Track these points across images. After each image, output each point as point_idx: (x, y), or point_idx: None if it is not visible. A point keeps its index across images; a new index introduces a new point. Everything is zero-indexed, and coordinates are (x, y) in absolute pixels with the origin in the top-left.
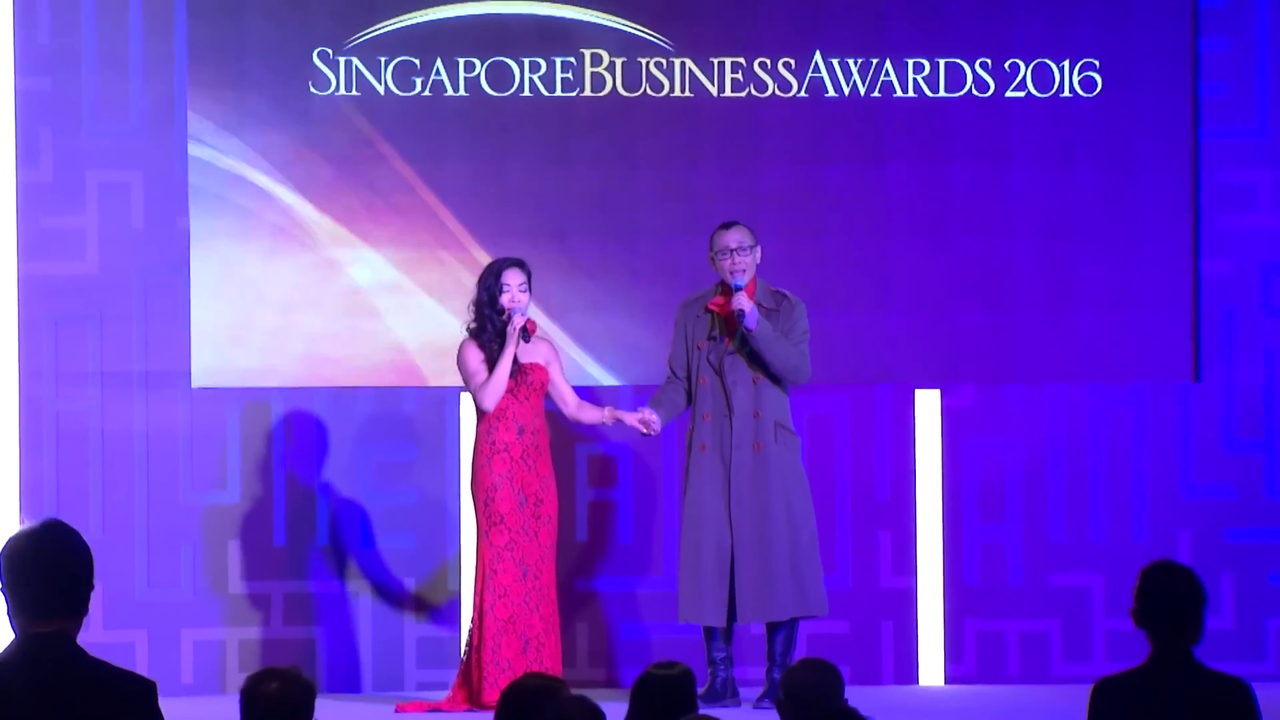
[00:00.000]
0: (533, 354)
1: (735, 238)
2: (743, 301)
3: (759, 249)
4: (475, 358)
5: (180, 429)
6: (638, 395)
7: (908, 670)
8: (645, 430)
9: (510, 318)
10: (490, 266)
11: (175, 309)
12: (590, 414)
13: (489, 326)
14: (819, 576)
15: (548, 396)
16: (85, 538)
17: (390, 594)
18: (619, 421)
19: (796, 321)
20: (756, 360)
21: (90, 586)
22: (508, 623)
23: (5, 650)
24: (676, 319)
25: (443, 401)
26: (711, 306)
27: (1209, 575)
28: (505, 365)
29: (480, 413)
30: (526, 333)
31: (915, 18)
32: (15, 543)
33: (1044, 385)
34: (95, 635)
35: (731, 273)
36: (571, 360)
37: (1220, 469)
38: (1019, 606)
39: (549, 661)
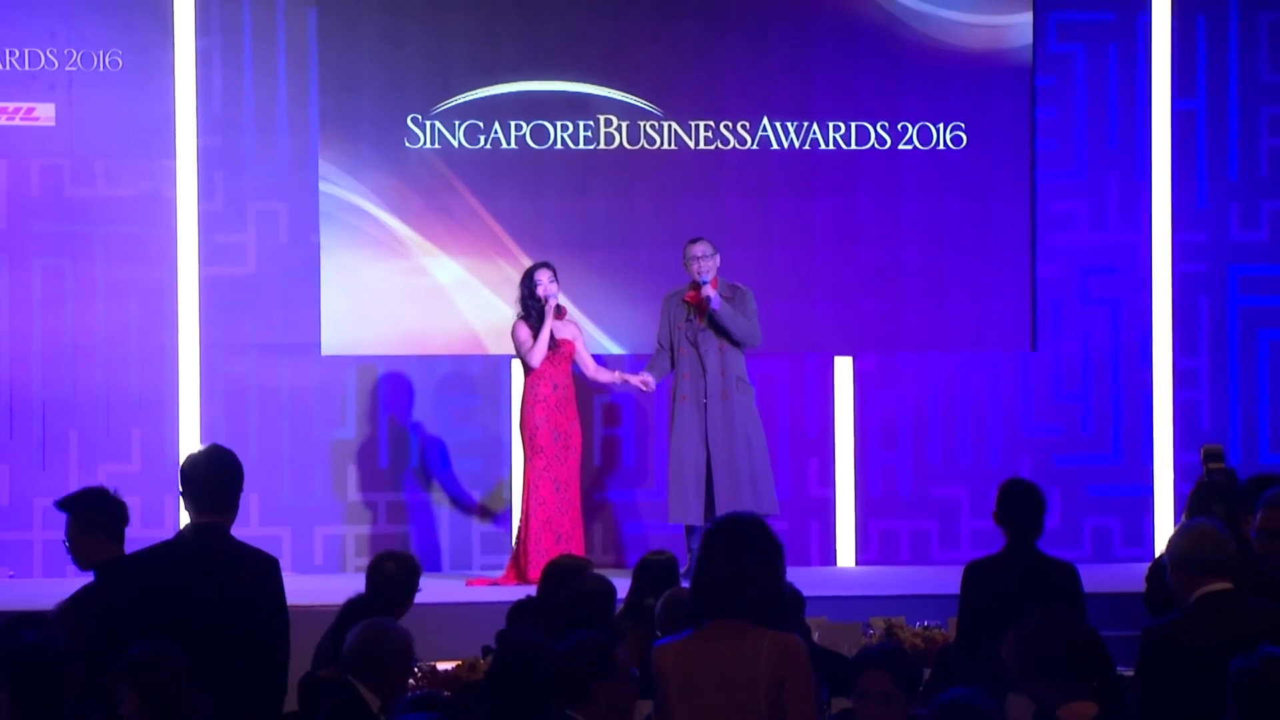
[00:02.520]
0: (563, 332)
1: (701, 248)
2: (709, 292)
3: (718, 255)
4: (524, 332)
5: (313, 385)
6: (634, 360)
7: (829, 556)
8: (644, 388)
9: (547, 300)
10: (528, 270)
11: (309, 299)
12: (604, 375)
13: (531, 311)
14: (771, 487)
15: (574, 363)
16: (244, 463)
17: (461, 502)
18: (626, 382)
19: (748, 303)
20: (721, 333)
21: (240, 490)
22: (545, 523)
23: (180, 533)
24: (662, 307)
25: (499, 366)
26: (687, 298)
27: (1043, 489)
28: (545, 334)
29: (527, 371)
30: (561, 310)
31: (835, 92)
32: (190, 459)
33: (926, 353)
34: (253, 529)
35: (699, 273)
36: (589, 334)
37: (1050, 414)
38: (908, 510)
39: (575, 550)
